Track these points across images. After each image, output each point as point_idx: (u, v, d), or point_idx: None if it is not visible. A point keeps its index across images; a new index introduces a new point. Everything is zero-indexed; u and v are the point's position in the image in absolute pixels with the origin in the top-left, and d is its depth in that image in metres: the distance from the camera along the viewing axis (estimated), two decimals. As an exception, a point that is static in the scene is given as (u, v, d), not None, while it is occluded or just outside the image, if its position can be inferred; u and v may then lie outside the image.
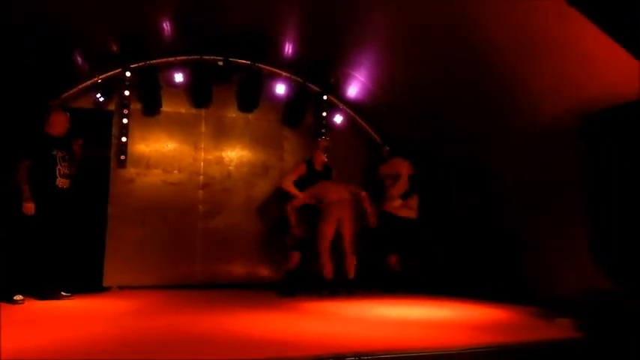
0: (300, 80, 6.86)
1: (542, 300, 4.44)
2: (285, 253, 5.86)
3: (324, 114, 7.01)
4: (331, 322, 3.79)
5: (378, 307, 4.62)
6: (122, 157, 6.24)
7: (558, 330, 3.50)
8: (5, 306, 4.10)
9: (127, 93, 6.22)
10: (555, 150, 4.62)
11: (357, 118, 7.17)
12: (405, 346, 2.95)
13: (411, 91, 6.06)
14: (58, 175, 4.86)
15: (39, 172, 4.75)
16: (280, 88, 6.74)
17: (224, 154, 6.77)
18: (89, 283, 5.34)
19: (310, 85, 6.92)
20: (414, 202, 6.17)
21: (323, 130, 6.96)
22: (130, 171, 6.32)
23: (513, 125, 4.99)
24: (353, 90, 6.81)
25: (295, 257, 5.69)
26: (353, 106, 7.06)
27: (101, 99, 6.10)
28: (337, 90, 6.91)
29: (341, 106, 7.07)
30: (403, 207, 6.10)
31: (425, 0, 4.78)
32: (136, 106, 6.34)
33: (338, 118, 7.01)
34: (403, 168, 6.20)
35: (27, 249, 4.62)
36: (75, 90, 6.09)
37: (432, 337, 3.27)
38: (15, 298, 4.44)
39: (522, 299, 4.64)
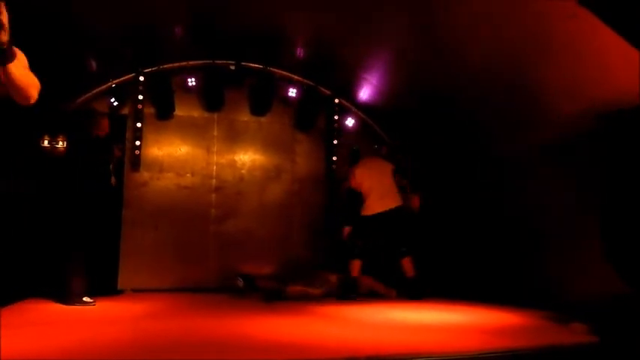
0: (312, 83, 6.88)
1: (555, 304, 4.41)
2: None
3: (336, 117, 7.03)
4: (344, 326, 3.80)
5: (390, 311, 4.62)
6: (136, 161, 6.30)
7: (573, 334, 3.46)
8: (27, 308, 4.17)
9: (140, 97, 6.29)
10: (572, 149, 4.58)
11: (369, 120, 7.17)
12: (418, 350, 2.95)
13: (424, 92, 6.04)
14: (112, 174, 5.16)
15: (96, 173, 4.95)
16: (292, 92, 6.77)
17: (236, 158, 6.81)
18: (104, 285, 5.40)
19: (322, 89, 6.94)
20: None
21: (335, 133, 6.98)
22: (144, 175, 6.39)
23: (530, 125, 4.96)
24: (364, 93, 6.80)
25: (357, 265, 5.71)
26: (364, 108, 7.06)
27: (115, 103, 6.17)
28: (349, 93, 6.92)
29: (352, 108, 7.07)
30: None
31: (436, 1, 4.78)
32: (150, 110, 6.41)
33: (350, 121, 7.01)
34: (354, 176, 5.93)
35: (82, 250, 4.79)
36: (89, 94, 6.16)
37: (445, 341, 3.26)
38: (85, 299, 4.61)
39: (535, 303, 4.61)
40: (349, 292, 5.57)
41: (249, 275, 6.07)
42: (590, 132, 4.31)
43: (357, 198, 5.88)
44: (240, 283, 5.94)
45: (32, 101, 2.58)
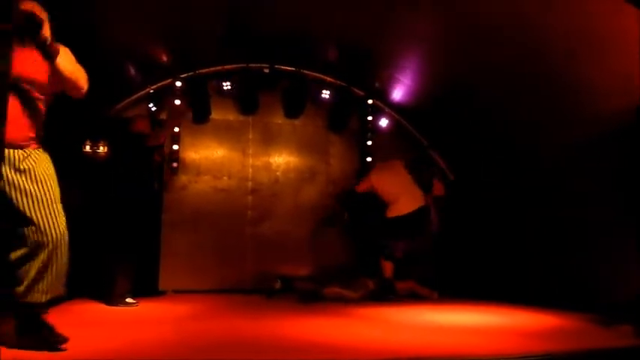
0: (345, 84, 6.90)
1: (599, 305, 4.31)
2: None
3: (370, 118, 7.03)
4: (383, 328, 3.81)
5: (428, 313, 4.61)
6: (174, 165, 6.45)
7: (619, 337, 3.39)
8: (73, 309, 4.31)
9: (177, 102, 6.43)
10: (615, 145, 4.47)
11: (403, 120, 7.14)
12: (458, 352, 2.94)
13: (458, 90, 5.98)
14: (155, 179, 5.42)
15: (138, 177, 5.13)
16: (325, 93, 6.80)
17: (271, 160, 6.89)
18: (146, 287, 5.53)
19: (355, 89, 6.95)
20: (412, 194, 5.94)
21: (369, 134, 6.98)
22: (182, 178, 6.53)
23: (571, 121, 4.87)
24: (398, 93, 6.78)
25: (389, 266, 5.77)
26: (398, 108, 7.04)
27: (153, 108, 6.32)
28: (382, 93, 6.91)
29: (386, 109, 7.06)
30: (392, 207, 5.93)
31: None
32: (187, 114, 6.54)
33: (383, 122, 7.00)
34: (369, 182, 6.05)
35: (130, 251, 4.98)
36: (128, 101, 6.33)
37: (484, 343, 3.23)
38: (127, 300, 4.77)
39: (576, 304, 4.52)
40: (386, 294, 5.58)
41: (286, 276, 6.15)
42: (634, 126, 4.20)
43: (357, 199, 6.06)
44: (278, 284, 6.02)
45: (83, 92, 2.75)
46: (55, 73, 2.58)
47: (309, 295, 5.45)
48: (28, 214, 2.50)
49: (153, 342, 3.07)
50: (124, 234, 4.91)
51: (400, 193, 5.86)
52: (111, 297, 4.78)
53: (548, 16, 4.28)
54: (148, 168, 5.27)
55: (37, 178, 2.56)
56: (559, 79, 4.69)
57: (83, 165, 5.73)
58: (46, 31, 2.51)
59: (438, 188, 6.11)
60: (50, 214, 2.54)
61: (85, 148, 5.91)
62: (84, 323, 3.73)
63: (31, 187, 2.52)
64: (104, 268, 4.91)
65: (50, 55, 2.54)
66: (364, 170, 6.81)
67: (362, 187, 6.12)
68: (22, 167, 2.54)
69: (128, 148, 5.19)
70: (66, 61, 2.63)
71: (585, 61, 4.36)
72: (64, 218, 2.62)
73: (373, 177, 6.07)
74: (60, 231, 2.56)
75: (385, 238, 5.88)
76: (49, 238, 2.52)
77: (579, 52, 4.34)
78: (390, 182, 5.94)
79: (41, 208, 2.52)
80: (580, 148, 4.87)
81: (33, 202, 2.51)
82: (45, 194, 2.55)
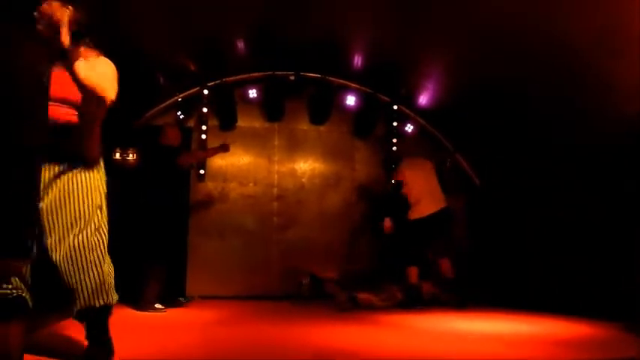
0: (370, 91, 6.90)
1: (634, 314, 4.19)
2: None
3: (395, 124, 7.01)
4: (407, 336, 3.78)
5: (455, 321, 4.55)
6: (201, 172, 6.54)
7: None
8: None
9: (205, 110, 6.53)
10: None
11: (429, 126, 7.09)
12: (486, 361, 2.91)
13: (484, 95, 5.91)
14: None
15: (168, 184, 5.21)
16: (350, 100, 6.81)
17: (297, 167, 6.93)
18: (174, 293, 5.59)
19: (380, 96, 6.94)
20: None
21: (394, 140, 6.96)
22: (209, 185, 6.61)
23: (598, 121, 4.76)
24: (424, 98, 6.75)
25: (415, 271, 5.70)
26: (424, 114, 7.00)
27: (181, 116, 6.43)
28: (408, 99, 6.88)
29: (412, 114, 7.03)
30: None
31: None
32: (214, 122, 6.63)
33: (409, 128, 6.97)
34: (403, 174, 5.94)
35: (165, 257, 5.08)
36: (157, 109, 6.45)
37: (511, 353, 3.18)
38: (156, 306, 4.86)
39: (612, 314, 4.40)
40: (415, 302, 5.51)
41: (316, 276, 6.16)
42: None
43: (402, 197, 5.88)
44: (307, 280, 6.04)
45: (107, 101, 2.54)
46: (73, 79, 2.36)
47: (347, 303, 5.42)
48: None
49: (180, 348, 3.11)
50: (154, 240, 4.99)
51: (424, 193, 5.77)
52: (140, 302, 4.86)
53: (578, 17, 4.21)
54: (176, 175, 5.34)
55: None
56: (588, 81, 4.60)
57: (113, 172, 5.84)
58: (65, 37, 2.23)
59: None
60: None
61: (114, 155, 6.03)
62: (111, 329, 3.79)
63: None
64: (134, 274, 4.98)
65: (67, 61, 2.31)
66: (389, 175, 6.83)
67: (399, 177, 5.99)
68: None
69: (157, 156, 5.28)
70: (86, 69, 2.40)
71: (612, 60, 4.27)
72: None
73: (406, 170, 5.94)
74: None
75: (409, 242, 5.81)
76: None
77: (606, 51, 4.24)
78: (418, 179, 5.85)
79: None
80: (616, 149, 4.73)
81: None
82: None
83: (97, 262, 2.45)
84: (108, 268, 2.51)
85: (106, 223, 2.59)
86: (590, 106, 4.78)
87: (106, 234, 2.58)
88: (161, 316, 4.70)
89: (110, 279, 2.52)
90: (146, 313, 4.76)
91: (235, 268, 6.46)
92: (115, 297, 2.55)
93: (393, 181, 6.20)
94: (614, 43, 4.14)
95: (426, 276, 5.89)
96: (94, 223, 2.50)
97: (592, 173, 5.05)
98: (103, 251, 2.51)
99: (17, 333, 1.87)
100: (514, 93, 5.50)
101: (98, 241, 2.49)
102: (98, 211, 2.56)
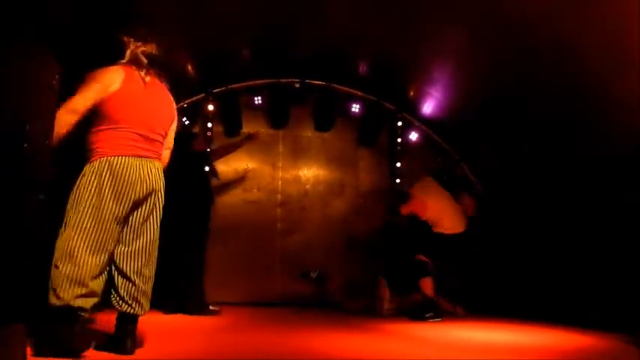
0: (375, 99, 6.91)
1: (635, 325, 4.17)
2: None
3: (399, 132, 7.02)
4: (412, 345, 3.77)
5: (458, 330, 4.54)
6: (216, 179, 6.53)
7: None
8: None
9: (210, 116, 6.56)
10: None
11: (433, 135, 7.10)
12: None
13: (489, 103, 5.90)
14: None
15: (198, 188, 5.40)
16: (355, 107, 6.83)
17: (301, 173, 6.94)
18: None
19: (385, 104, 6.96)
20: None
21: (398, 148, 6.97)
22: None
23: (606, 134, 4.76)
24: (428, 107, 6.76)
25: (429, 282, 5.52)
26: (428, 122, 7.01)
27: (187, 122, 6.45)
28: (412, 107, 6.89)
29: (416, 123, 7.04)
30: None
31: (499, 9, 4.67)
32: (218, 128, 6.65)
33: (413, 136, 6.98)
34: (419, 203, 5.69)
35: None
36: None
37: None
38: (211, 308, 5.04)
39: (612, 324, 4.37)
40: (426, 312, 5.31)
41: (321, 275, 6.14)
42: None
43: (419, 222, 5.76)
44: (315, 274, 6.04)
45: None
46: None
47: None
48: None
49: (184, 355, 3.11)
50: (179, 244, 5.03)
51: (448, 210, 5.67)
52: (191, 305, 5.03)
53: (586, 28, 4.21)
54: (203, 181, 5.49)
55: None
56: (595, 92, 4.60)
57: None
58: None
59: (470, 206, 5.96)
60: None
61: None
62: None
63: None
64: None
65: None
66: (393, 184, 6.81)
67: (409, 209, 5.74)
68: None
69: (185, 161, 5.28)
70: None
71: (620, 71, 4.27)
72: None
73: (425, 197, 5.70)
74: None
75: (425, 254, 5.64)
76: None
77: (615, 61, 4.24)
78: (437, 200, 5.70)
79: None
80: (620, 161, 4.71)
81: None
82: None
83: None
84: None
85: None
86: (597, 117, 4.77)
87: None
88: (164, 322, 4.69)
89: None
90: (202, 316, 4.97)
91: (238, 274, 6.46)
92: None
93: (404, 214, 5.86)
94: (622, 55, 4.14)
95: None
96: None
97: (599, 184, 5.04)
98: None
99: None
100: (520, 103, 5.51)
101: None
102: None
